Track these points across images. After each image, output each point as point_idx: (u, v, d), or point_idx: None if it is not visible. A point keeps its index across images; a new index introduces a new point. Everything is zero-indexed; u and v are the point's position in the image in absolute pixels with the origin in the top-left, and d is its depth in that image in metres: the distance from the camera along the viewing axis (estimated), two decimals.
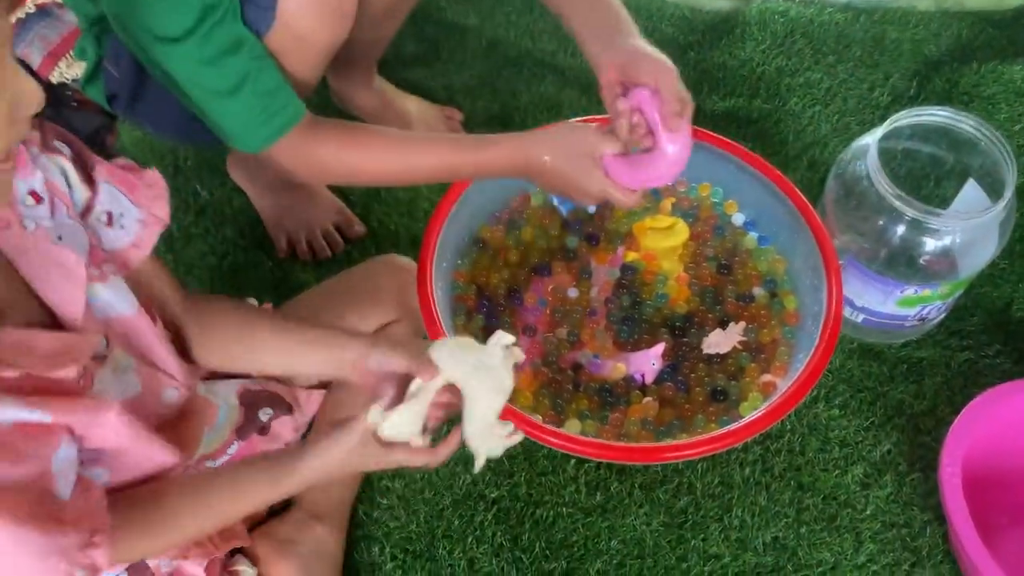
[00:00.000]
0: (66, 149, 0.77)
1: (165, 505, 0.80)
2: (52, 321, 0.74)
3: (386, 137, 1.07)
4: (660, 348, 1.15)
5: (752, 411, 1.06)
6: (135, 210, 0.82)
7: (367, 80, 1.49)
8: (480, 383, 0.81)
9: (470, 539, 1.11)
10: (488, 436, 0.83)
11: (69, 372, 0.70)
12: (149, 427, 0.80)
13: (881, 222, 1.13)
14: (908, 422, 1.19)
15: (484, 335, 1.17)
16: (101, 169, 0.80)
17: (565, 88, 1.57)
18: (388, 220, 1.40)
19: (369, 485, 1.15)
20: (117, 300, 0.80)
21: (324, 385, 1.11)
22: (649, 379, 1.14)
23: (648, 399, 1.12)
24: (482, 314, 1.21)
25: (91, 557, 0.67)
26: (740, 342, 1.17)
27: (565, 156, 1.00)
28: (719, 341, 1.17)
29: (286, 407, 1.04)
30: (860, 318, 1.23)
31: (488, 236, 1.27)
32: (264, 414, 1.01)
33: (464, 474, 1.15)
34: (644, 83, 0.97)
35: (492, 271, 1.24)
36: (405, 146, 1.06)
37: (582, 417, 1.12)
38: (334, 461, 0.82)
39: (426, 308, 1.11)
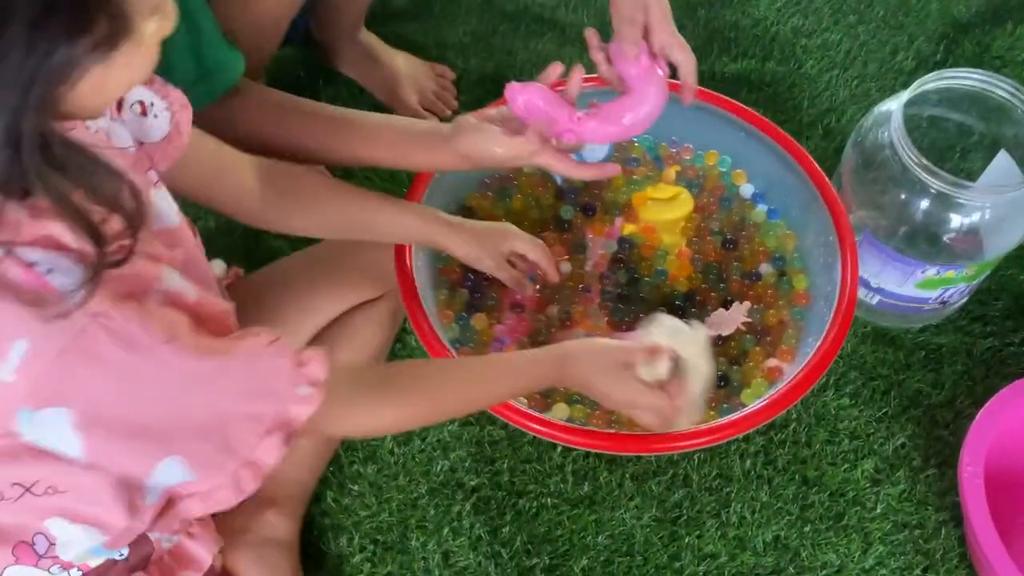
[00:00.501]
0: None
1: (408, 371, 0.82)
2: None
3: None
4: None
5: (756, 399, 0.97)
6: (159, 100, 0.75)
7: (353, 34, 1.39)
8: (705, 363, 0.88)
9: (446, 530, 1.03)
10: (694, 410, 0.88)
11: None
12: None
13: (903, 195, 1.03)
14: (924, 414, 1.10)
15: (468, 311, 1.10)
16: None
17: (565, 46, 1.47)
18: (368, 184, 1.30)
19: (339, 470, 1.06)
20: (167, 209, 0.75)
21: None
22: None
23: None
24: (467, 288, 1.11)
25: (305, 373, 0.66)
26: (744, 323, 1.07)
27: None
28: (722, 321, 1.08)
29: None
30: (875, 300, 1.13)
31: (476, 204, 1.18)
32: None
33: (442, 460, 1.07)
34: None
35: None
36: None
37: (571, 401, 1.03)
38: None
39: (405, 281, 1.02)
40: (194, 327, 0.64)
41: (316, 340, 1.05)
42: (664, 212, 1.16)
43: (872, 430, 1.08)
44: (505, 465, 1.07)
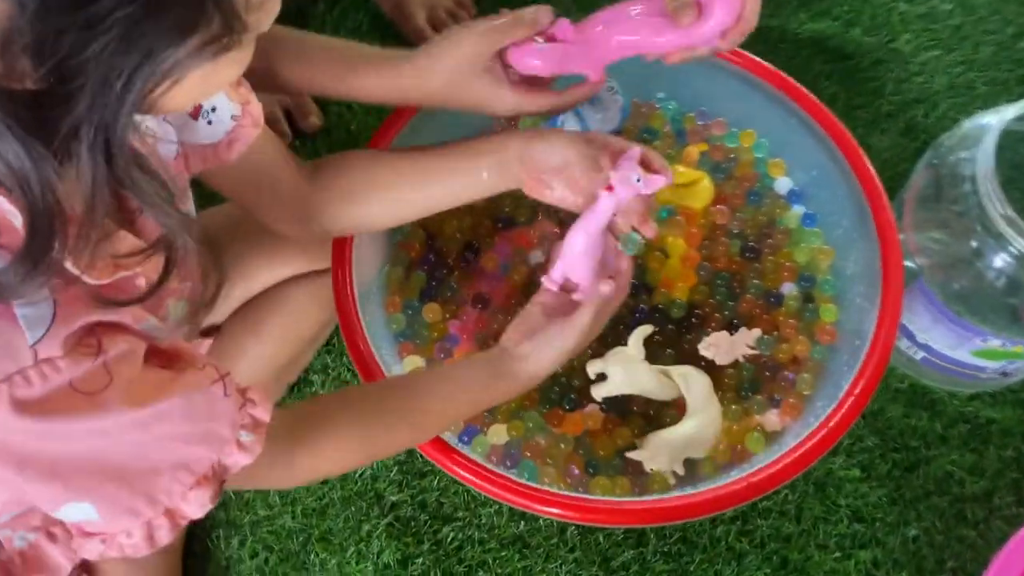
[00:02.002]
0: None
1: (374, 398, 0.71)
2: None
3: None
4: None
5: (745, 464, 0.79)
6: (229, 104, 0.69)
7: None
8: (715, 413, 0.81)
9: (351, 550, 0.88)
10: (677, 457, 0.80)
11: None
12: None
13: (975, 244, 0.80)
14: (951, 505, 0.88)
15: (422, 299, 0.92)
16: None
17: None
18: (349, 117, 1.12)
19: None
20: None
21: (208, 333, 0.91)
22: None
23: (593, 407, 0.85)
24: (424, 271, 0.93)
25: (250, 414, 0.60)
26: (748, 355, 0.87)
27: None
28: (719, 347, 0.87)
29: None
30: (919, 355, 0.91)
31: None
32: None
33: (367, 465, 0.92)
34: None
35: (450, 217, 0.96)
36: None
37: (514, 416, 0.85)
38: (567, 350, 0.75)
39: (339, 253, 0.85)
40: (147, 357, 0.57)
41: (242, 313, 0.90)
42: (677, 200, 0.95)
43: (881, 514, 0.88)
44: (436, 483, 0.91)
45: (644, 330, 0.81)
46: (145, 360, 0.55)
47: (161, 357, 0.58)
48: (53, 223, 0.47)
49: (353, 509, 0.90)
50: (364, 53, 0.79)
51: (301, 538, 0.89)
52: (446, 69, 0.75)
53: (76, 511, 0.55)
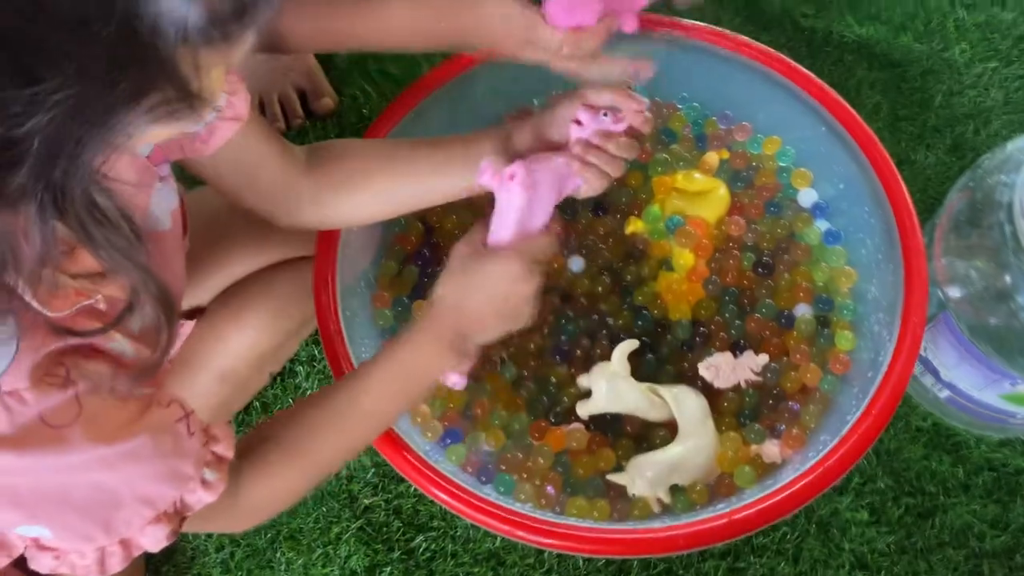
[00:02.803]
0: None
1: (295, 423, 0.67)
2: None
3: None
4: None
5: (733, 498, 0.74)
6: None
7: None
8: (708, 438, 0.76)
9: (318, 552, 0.84)
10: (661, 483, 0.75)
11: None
12: None
13: (1008, 280, 0.72)
14: (968, 559, 0.81)
15: (412, 295, 0.88)
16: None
17: None
18: (363, 101, 1.08)
19: None
20: (159, 211, 0.69)
21: (190, 315, 0.87)
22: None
23: (576, 425, 0.79)
24: (417, 266, 0.89)
25: (213, 451, 0.59)
26: (751, 381, 0.81)
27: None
28: (720, 368, 0.82)
29: None
30: (944, 394, 0.84)
31: None
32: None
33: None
34: None
35: (450, 211, 0.91)
36: None
37: (493, 423, 0.80)
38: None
39: (324, 243, 0.81)
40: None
41: (227, 296, 0.87)
42: (690, 207, 0.88)
43: (888, 562, 0.81)
44: (413, 489, 0.86)
45: (629, 345, 0.76)
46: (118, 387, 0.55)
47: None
48: (4, 267, 0.46)
49: (324, 509, 0.86)
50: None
51: (269, 535, 0.86)
52: None
53: (32, 530, 0.55)
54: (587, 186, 0.74)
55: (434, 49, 0.80)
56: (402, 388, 0.69)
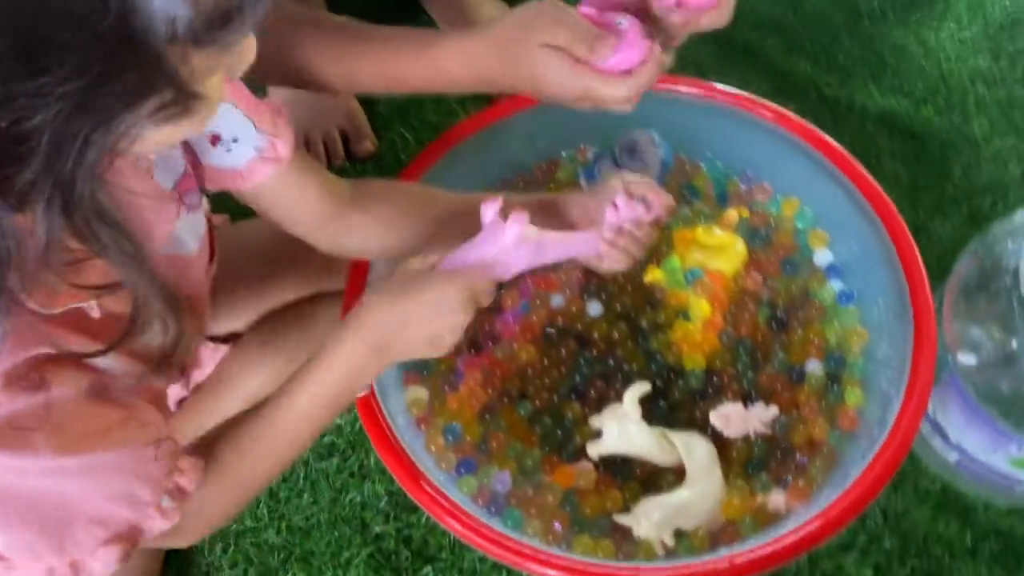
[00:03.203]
0: None
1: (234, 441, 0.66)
2: None
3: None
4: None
5: (736, 544, 0.75)
6: (256, 136, 0.70)
7: None
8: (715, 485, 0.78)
9: (328, 575, 0.86)
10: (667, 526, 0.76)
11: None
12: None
13: (1016, 344, 0.74)
14: None
15: None
16: (227, 87, 0.66)
17: None
18: (402, 146, 1.13)
19: None
20: (187, 238, 0.71)
21: (226, 340, 0.91)
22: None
23: (585, 463, 0.81)
24: None
25: (177, 482, 0.60)
26: (760, 432, 0.83)
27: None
28: (730, 418, 0.83)
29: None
30: (953, 457, 0.85)
31: None
32: None
33: (355, 490, 0.90)
34: None
35: None
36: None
37: (508, 457, 0.83)
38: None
39: (354, 277, 0.85)
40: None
41: (263, 324, 0.91)
42: (708, 261, 0.91)
43: None
44: (424, 519, 0.88)
45: (640, 387, 0.78)
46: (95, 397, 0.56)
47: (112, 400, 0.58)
48: (6, 266, 0.47)
49: (337, 534, 0.88)
50: (400, 35, 0.77)
51: (282, 555, 0.88)
52: (499, 38, 0.71)
53: None
54: (609, 262, 0.76)
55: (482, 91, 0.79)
56: (332, 399, 0.67)
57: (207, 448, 0.65)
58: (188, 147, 0.70)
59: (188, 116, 0.48)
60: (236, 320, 0.91)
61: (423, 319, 0.67)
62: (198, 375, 0.89)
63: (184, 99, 0.47)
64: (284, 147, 0.71)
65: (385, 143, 1.14)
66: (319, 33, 0.78)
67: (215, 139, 0.69)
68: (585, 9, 0.71)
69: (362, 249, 0.81)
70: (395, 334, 0.67)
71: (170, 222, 0.66)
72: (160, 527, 0.58)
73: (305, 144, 1.14)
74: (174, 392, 0.86)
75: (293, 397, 0.66)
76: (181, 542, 0.66)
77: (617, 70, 0.70)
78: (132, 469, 0.57)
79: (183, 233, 0.71)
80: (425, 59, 0.74)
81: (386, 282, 0.69)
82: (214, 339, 0.90)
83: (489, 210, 0.69)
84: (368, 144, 1.14)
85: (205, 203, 0.96)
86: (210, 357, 0.89)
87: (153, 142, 0.50)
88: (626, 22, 0.70)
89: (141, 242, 0.53)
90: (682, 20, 0.73)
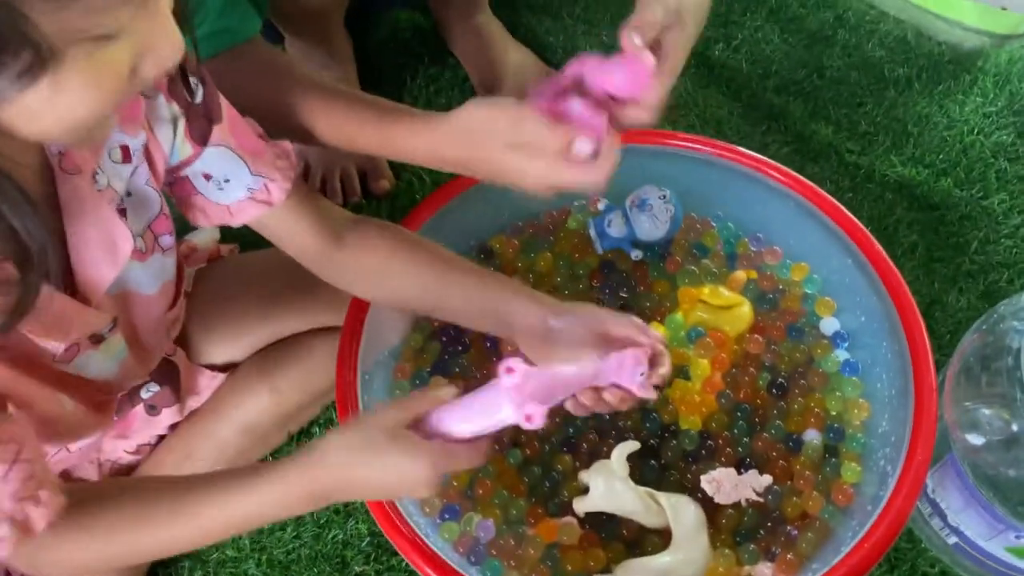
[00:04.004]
0: (199, 95, 0.66)
1: (107, 503, 0.63)
2: (67, 280, 0.65)
3: None
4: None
5: None
6: (249, 179, 0.71)
7: (468, 12, 1.23)
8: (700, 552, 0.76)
9: None
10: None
11: (56, 346, 0.65)
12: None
13: (1016, 428, 0.72)
14: None
15: (434, 371, 0.90)
16: (222, 130, 0.70)
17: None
18: (418, 186, 1.13)
19: None
20: (146, 279, 0.73)
21: (224, 369, 0.91)
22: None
23: (569, 519, 0.80)
24: (440, 342, 0.92)
25: (26, 512, 0.57)
26: (752, 501, 0.81)
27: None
28: (722, 484, 0.81)
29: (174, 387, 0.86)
30: (952, 540, 0.83)
31: (499, 248, 0.98)
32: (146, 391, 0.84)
33: (338, 528, 0.89)
34: None
35: None
36: None
37: (494, 504, 0.82)
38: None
39: (353, 316, 0.85)
40: None
41: (261, 354, 0.91)
42: (712, 321, 0.90)
43: None
44: (405, 564, 0.87)
45: (629, 446, 0.77)
46: None
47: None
48: None
49: (316, 571, 0.87)
50: (393, 108, 0.79)
51: None
52: (463, 130, 0.73)
53: None
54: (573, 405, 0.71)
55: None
56: (245, 520, 0.63)
57: (89, 492, 0.63)
58: (183, 183, 0.71)
59: (46, 76, 0.46)
60: (235, 349, 0.91)
61: (379, 483, 0.63)
62: (194, 402, 0.89)
63: (44, 62, 0.46)
64: (278, 191, 0.72)
65: (402, 183, 1.15)
66: (309, 94, 0.79)
67: (207, 176, 0.71)
68: (539, 103, 0.71)
69: (349, 286, 0.81)
70: (343, 490, 0.64)
71: (116, 267, 0.66)
72: None
73: (323, 179, 1.14)
74: (168, 416, 0.86)
75: (208, 500, 0.62)
76: (27, 571, 0.63)
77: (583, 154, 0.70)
78: None
79: (144, 273, 0.72)
80: (383, 134, 0.77)
81: (355, 426, 0.64)
82: (212, 367, 0.90)
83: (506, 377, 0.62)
84: (385, 183, 1.15)
85: (215, 234, 0.98)
86: (207, 385, 0.90)
87: (41, 115, 0.49)
88: (578, 105, 0.70)
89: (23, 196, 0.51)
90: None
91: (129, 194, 0.68)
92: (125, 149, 0.66)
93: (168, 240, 0.73)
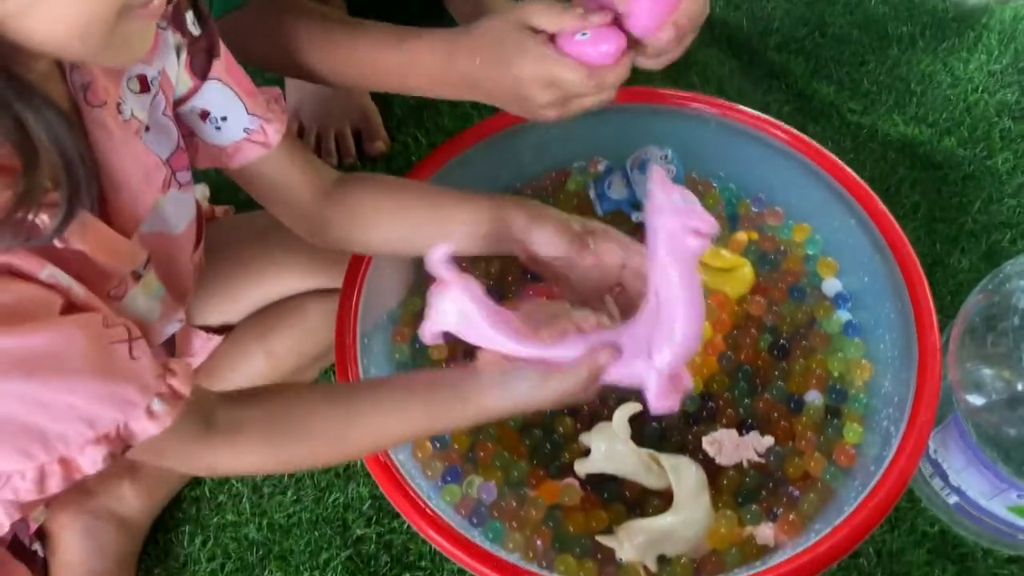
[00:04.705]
0: (196, 29, 0.66)
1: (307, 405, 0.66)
2: (103, 212, 0.63)
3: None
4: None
5: (719, 575, 0.74)
6: (246, 118, 0.71)
7: None
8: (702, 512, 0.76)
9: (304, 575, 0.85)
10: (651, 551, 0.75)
11: (123, 270, 0.65)
12: None
13: (1020, 387, 0.72)
14: None
15: None
16: (221, 65, 0.69)
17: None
18: (414, 148, 1.12)
19: None
20: (174, 215, 0.72)
21: (220, 331, 0.90)
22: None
23: (571, 480, 0.80)
24: None
25: (169, 383, 0.57)
26: (753, 462, 0.81)
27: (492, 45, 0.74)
28: (723, 445, 0.81)
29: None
30: (952, 499, 0.83)
31: None
32: None
33: (339, 491, 0.89)
34: None
35: (480, 258, 0.93)
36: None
37: (495, 467, 0.82)
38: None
39: (351, 276, 0.84)
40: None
41: (257, 316, 0.91)
42: (712, 284, 0.89)
43: None
44: (406, 526, 0.87)
45: (630, 407, 0.76)
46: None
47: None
48: None
49: (316, 534, 0.87)
50: (381, 27, 0.80)
51: (261, 552, 0.87)
52: (477, 28, 0.75)
53: None
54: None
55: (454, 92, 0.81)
56: (412, 426, 0.67)
57: (262, 399, 0.65)
58: (182, 122, 0.70)
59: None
60: (231, 310, 0.90)
61: (547, 400, 0.67)
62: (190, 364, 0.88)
63: None
64: (273, 132, 0.72)
65: (398, 144, 1.13)
66: (311, 22, 0.80)
67: (204, 114, 0.70)
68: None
69: (344, 242, 0.80)
70: None
71: (153, 194, 0.66)
72: (149, 431, 0.56)
73: (317, 140, 1.13)
74: None
75: (385, 403, 0.66)
76: (188, 471, 0.71)
77: (590, 59, 0.71)
78: (104, 367, 0.54)
79: (170, 210, 0.71)
80: (403, 50, 0.77)
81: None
82: (208, 329, 0.89)
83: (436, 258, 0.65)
84: (380, 144, 1.13)
85: (205, 191, 0.97)
86: (202, 347, 0.89)
87: (58, 16, 0.47)
88: (598, 18, 0.71)
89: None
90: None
91: (148, 128, 0.66)
92: (143, 79, 0.65)
93: (186, 176, 0.72)
